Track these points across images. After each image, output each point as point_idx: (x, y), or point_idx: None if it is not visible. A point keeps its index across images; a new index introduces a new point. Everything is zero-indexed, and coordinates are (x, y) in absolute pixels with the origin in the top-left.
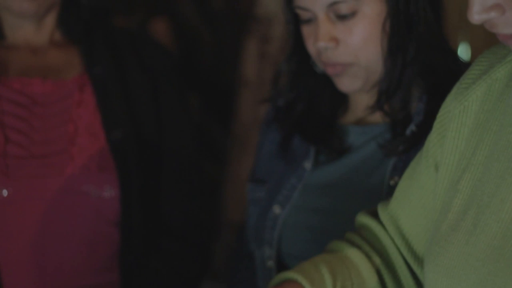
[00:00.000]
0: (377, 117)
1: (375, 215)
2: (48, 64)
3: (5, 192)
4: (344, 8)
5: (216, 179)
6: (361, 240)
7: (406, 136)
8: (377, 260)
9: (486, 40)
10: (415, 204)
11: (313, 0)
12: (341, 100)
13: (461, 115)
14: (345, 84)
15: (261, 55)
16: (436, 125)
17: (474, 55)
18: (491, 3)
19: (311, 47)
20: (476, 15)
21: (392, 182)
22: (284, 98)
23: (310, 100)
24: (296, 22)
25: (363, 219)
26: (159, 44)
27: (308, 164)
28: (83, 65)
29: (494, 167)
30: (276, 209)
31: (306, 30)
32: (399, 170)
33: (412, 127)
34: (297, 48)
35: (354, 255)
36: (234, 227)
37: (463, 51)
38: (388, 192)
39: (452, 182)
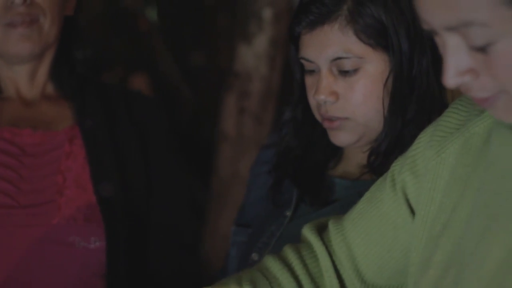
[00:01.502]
0: (367, 174)
1: (322, 229)
2: (39, 116)
3: None
4: (347, 64)
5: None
6: (296, 260)
7: None
8: (306, 283)
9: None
10: (372, 230)
11: (318, 53)
12: (336, 151)
13: (438, 166)
14: (338, 137)
15: (240, 110)
16: (407, 160)
17: None
18: (465, 68)
19: (311, 99)
20: (450, 80)
21: None
22: (285, 144)
23: (306, 146)
24: (302, 71)
25: (309, 235)
26: (150, 98)
27: (288, 213)
28: (74, 117)
29: (474, 224)
30: (255, 256)
31: (308, 80)
32: None
33: None
34: (302, 96)
35: (282, 276)
36: (214, 282)
37: None
38: None
39: (431, 236)
